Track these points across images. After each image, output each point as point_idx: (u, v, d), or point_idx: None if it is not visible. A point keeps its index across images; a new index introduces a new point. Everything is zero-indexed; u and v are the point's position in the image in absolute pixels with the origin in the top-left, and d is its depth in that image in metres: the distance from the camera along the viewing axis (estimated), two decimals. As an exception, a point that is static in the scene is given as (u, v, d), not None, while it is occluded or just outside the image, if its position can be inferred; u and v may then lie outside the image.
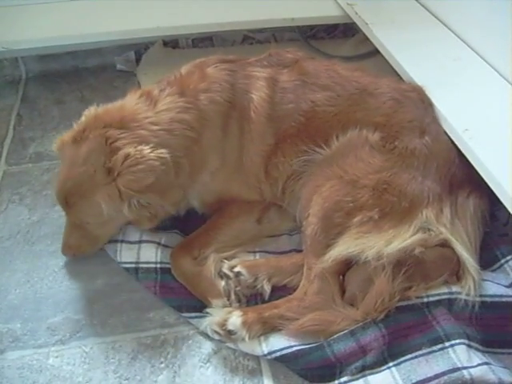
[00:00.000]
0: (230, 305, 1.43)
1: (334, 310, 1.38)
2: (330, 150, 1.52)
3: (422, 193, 1.41)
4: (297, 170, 1.57)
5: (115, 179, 1.41)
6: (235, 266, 1.48)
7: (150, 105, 1.53)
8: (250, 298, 1.47)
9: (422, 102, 1.59)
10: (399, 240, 1.37)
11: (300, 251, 1.53)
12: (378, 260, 1.35)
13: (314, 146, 1.54)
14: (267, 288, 1.46)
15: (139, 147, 1.42)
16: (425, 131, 1.51)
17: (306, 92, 1.57)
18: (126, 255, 1.56)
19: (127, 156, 1.40)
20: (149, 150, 1.42)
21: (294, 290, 1.45)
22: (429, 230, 1.40)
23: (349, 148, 1.49)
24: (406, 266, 1.36)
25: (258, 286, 1.46)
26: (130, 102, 1.56)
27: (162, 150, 1.43)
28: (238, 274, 1.46)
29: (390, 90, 1.60)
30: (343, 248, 1.37)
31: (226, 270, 1.48)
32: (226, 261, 1.51)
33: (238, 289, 1.45)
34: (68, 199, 1.48)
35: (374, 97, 1.57)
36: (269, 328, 1.38)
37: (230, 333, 1.36)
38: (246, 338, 1.36)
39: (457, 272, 1.42)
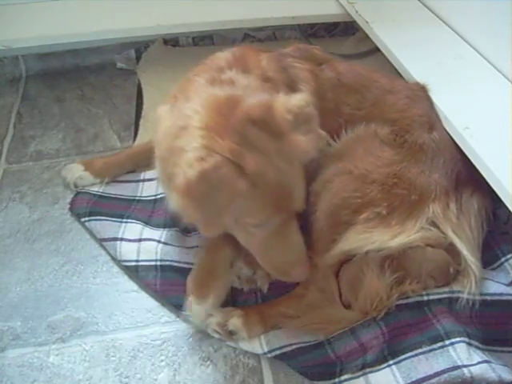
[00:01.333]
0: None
1: (334, 308, 1.38)
2: (339, 144, 1.50)
3: (429, 186, 1.41)
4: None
5: None
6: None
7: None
8: (250, 296, 1.47)
9: (428, 99, 1.61)
10: (403, 235, 1.37)
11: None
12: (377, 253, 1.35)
13: None
14: (266, 281, 1.45)
15: None
16: (433, 127, 1.52)
17: (342, 93, 1.54)
18: (125, 253, 1.56)
19: None
20: None
21: (293, 288, 1.45)
22: (435, 226, 1.40)
23: (358, 142, 1.48)
24: (391, 259, 1.37)
25: (258, 280, 1.45)
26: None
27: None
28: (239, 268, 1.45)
29: (404, 88, 1.61)
30: (346, 244, 1.37)
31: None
32: None
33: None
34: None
35: (392, 94, 1.57)
36: (270, 327, 1.38)
37: (230, 333, 1.36)
38: (247, 339, 1.36)
39: (452, 277, 1.42)
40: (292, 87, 1.46)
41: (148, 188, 1.79)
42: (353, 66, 1.65)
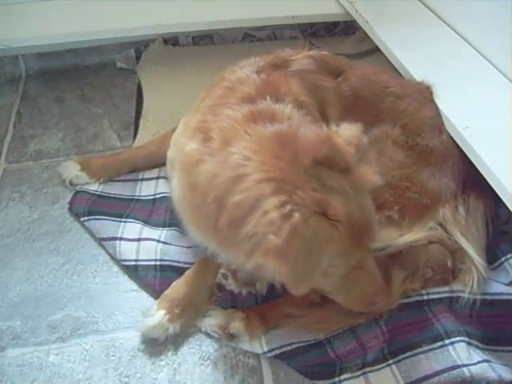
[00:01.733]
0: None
1: (334, 307, 1.38)
2: None
3: (440, 189, 1.42)
4: None
5: None
6: (232, 264, 1.45)
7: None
8: (249, 296, 1.47)
9: (434, 101, 1.61)
10: (410, 235, 1.37)
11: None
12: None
13: None
14: (265, 284, 1.45)
15: None
16: (442, 130, 1.54)
17: (358, 112, 1.47)
18: (125, 253, 1.56)
19: None
20: None
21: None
22: (441, 226, 1.40)
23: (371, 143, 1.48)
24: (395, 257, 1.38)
25: (256, 283, 1.45)
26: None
27: None
28: (235, 271, 1.45)
29: (413, 91, 1.60)
30: None
31: (223, 269, 1.46)
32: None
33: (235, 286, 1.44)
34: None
35: (403, 99, 1.56)
36: (271, 328, 1.38)
37: (231, 336, 1.36)
38: (248, 341, 1.36)
39: (450, 271, 1.42)
40: (322, 112, 1.42)
41: (147, 187, 1.78)
42: (362, 71, 1.59)
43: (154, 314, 1.39)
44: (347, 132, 1.17)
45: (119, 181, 1.82)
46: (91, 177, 1.80)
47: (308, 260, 1.03)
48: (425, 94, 1.62)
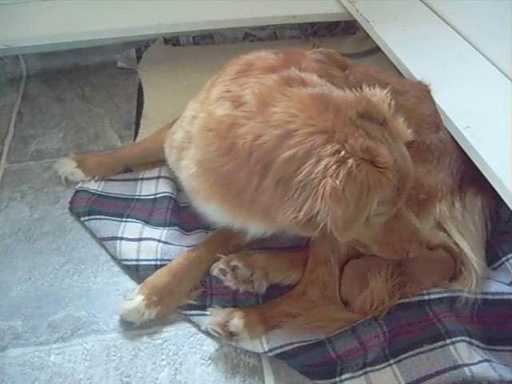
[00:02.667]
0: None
1: (333, 307, 1.38)
2: None
3: (436, 185, 1.43)
4: None
5: None
6: (232, 260, 1.46)
7: None
8: (250, 296, 1.47)
9: (432, 99, 1.63)
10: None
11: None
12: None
13: None
14: (264, 283, 1.45)
15: None
16: (439, 127, 1.55)
17: None
18: (125, 252, 1.56)
19: None
20: None
21: (291, 289, 1.45)
22: (440, 227, 1.40)
23: None
24: (402, 266, 1.37)
25: (255, 281, 1.44)
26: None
27: None
28: (234, 268, 1.44)
29: (412, 88, 1.63)
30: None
31: (222, 265, 1.46)
32: (222, 256, 1.48)
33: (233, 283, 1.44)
34: None
35: (402, 95, 1.57)
36: (271, 327, 1.38)
37: (231, 334, 1.36)
38: (248, 340, 1.36)
39: (451, 276, 1.42)
40: None
41: (147, 187, 1.78)
42: (365, 68, 1.64)
43: (134, 298, 1.42)
44: (379, 92, 1.25)
45: (119, 180, 1.82)
46: (87, 174, 1.80)
47: (358, 204, 1.09)
48: (423, 91, 1.64)
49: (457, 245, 1.42)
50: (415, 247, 1.31)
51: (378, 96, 1.24)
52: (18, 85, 2.35)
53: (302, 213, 1.11)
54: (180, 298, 1.45)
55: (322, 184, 1.07)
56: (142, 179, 1.82)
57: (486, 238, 1.49)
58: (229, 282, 1.45)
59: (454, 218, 1.42)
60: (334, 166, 1.07)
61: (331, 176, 1.06)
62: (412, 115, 1.53)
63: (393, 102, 1.25)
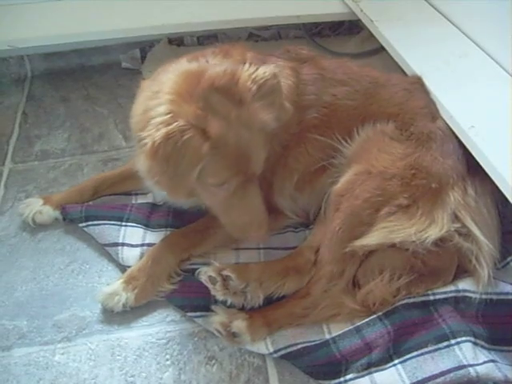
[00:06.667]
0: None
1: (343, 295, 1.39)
2: (353, 146, 1.52)
3: (446, 172, 1.42)
4: (316, 163, 1.56)
5: None
6: (224, 270, 1.41)
7: None
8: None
9: (426, 91, 1.63)
10: (437, 228, 1.36)
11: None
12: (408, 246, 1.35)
13: (336, 138, 1.54)
14: (260, 294, 1.41)
15: None
16: (435, 116, 1.55)
17: (326, 86, 1.56)
18: (128, 259, 1.55)
19: None
20: None
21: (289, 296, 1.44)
22: (456, 218, 1.39)
23: (369, 142, 1.50)
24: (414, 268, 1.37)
25: (248, 294, 1.40)
26: None
27: None
28: (226, 278, 1.40)
29: (400, 81, 1.64)
30: (367, 239, 1.36)
31: (213, 272, 1.41)
32: (214, 262, 1.45)
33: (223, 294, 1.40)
34: None
35: (387, 88, 1.59)
36: (275, 329, 1.37)
37: (233, 335, 1.35)
38: (250, 342, 1.35)
39: (455, 274, 1.42)
40: None
41: (143, 199, 1.76)
42: (341, 63, 1.66)
43: (113, 283, 1.46)
44: (257, 71, 1.30)
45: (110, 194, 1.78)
46: (55, 208, 1.70)
47: (177, 166, 1.21)
48: (414, 84, 1.64)
49: (469, 235, 1.40)
50: (255, 232, 1.37)
51: (256, 74, 1.29)
52: (23, 85, 2.36)
53: (145, 173, 1.29)
54: (158, 281, 1.47)
55: (146, 141, 1.20)
56: (137, 194, 1.78)
57: (499, 222, 1.47)
58: (216, 291, 1.40)
59: (467, 205, 1.41)
60: (161, 125, 1.19)
61: (154, 133, 1.19)
62: (403, 108, 1.54)
63: (273, 82, 1.30)
